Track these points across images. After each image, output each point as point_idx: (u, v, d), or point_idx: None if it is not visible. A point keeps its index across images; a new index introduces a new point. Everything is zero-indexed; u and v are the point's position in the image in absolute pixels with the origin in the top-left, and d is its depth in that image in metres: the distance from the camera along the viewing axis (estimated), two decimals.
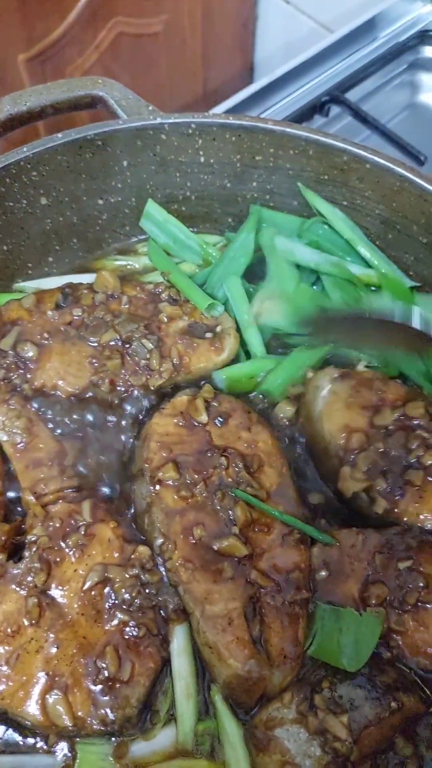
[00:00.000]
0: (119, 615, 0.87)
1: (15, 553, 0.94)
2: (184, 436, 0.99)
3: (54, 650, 0.85)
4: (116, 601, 0.88)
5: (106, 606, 0.88)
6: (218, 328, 1.12)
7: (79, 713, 0.83)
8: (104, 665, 0.84)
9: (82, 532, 0.92)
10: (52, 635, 0.86)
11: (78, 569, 0.90)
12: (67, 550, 0.91)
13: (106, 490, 1.00)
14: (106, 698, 0.83)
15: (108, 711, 0.83)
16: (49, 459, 0.99)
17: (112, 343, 1.07)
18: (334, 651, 0.85)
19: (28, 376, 1.05)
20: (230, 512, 0.92)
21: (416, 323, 0.89)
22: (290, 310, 1.12)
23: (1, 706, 0.84)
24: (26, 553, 0.91)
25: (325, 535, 0.93)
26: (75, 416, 1.03)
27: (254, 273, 1.20)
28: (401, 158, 1.31)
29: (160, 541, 0.92)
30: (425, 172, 1.11)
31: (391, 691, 0.82)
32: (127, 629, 0.87)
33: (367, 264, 1.18)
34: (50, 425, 1.02)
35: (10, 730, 0.87)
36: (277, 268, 1.15)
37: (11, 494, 1.00)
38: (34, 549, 0.91)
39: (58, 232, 1.24)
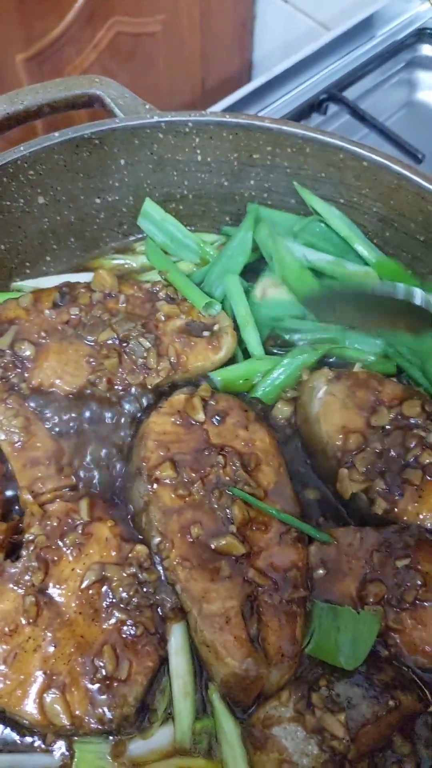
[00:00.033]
0: (117, 614, 0.87)
1: (12, 552, 0.93)
2: (182, 435, 0.99)
3: (51, 649, 0.85)
4: (114, 600, 0.88)
5: (104, 605, 0.88)
6: (216, 327, 1.12)
7: (77, 712, 0.83)
8: (102, 664, 0.84)
9: (80, 531, 0.92)
10: (49, 634, 0.86)
11: (75, 568, 0.90)
12: (64, 549, 0.91)
13: (103, 489, 1.00)
14: (104, 697, 0.83)
15: (105, 710, 0.83)
16: (47, 458, 0.99)
17: (110, 341, 1.07)
18: (331, 649, 0.84)
19: (26, 375, 1.05)
20: (228, 511, 0.92)
21: (418, 300, 0.90)
22: (294, 289, 1.11)
23: None
24: (24, 552, 0.91)
25: (323, 533, 0.93)
26: (72, 415, 1.03)
27: (252, 272, 1.20)
28: (399, 156, 1.31)
29: (157, 539, 0.92)
30: (423, 170, 1.11)
31: (389, 690, 0.82)
32: (125, 628, 0.87)
33: (365, 262, 1.18)
34: (48, 424, 1.02)
35: (8, 729, 0.87)
36: (279, 255, 1.14)
37: (9, 493, 1.00)
38: (32, 548, 0.91)
39: (55, 231, 1.24)
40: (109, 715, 0.83)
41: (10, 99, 1.17)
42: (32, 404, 1.03)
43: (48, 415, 1.03)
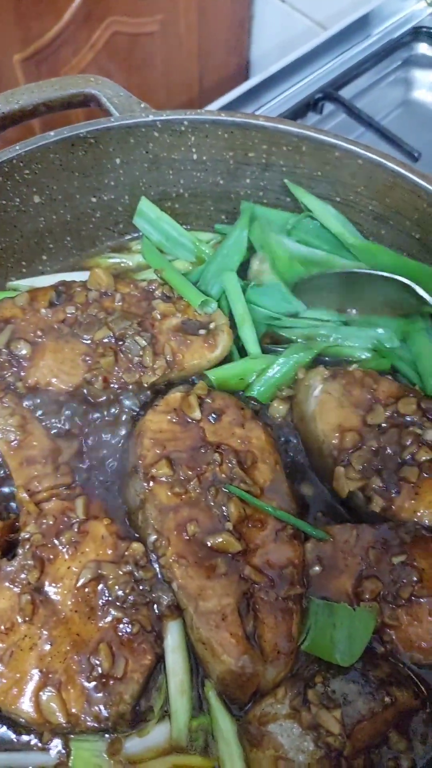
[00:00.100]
0: (113, 612, 0.87)
1: (9, 550, 0.94)
2: (178, 433, 0.99)
3: (47, 647, 0.85)
4: (110, 598, 0.88)
5: (100, 603, 0.88)
6: (212, 325, 1.12)
7: (73, 710, 0.83)
8: (98, 662, 0.84)
9: (76, 530, 0.93)
10: (45, 632, 0.86)
11: (71, 566, 0.90)
12: (60, 547, 0.91)
13: (99, 487, 1.00)
14: (100, 695, 0.84)
15: (102, 708, 0.83)
16: (43, 456, 0.99)
17: (106, 340, 1.07)
18: (327, 646, 0.84)
19: (22, 374, 1.05)
20: (224, 508, 0.92)
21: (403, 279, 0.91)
22: (283, 277, 1.12)
23: None
24: (20, 551, 0.91)
25: (319, 530, 0.93)
26: (68, 414, 1.03)
27: (247, 270, 1.20)
28: (395, 155, 1.31)
29: (153, 537, 0.92)
30: (419, 169, 1.11)
31: (385, 686, 0.82)
32: (121, 626, 0.87)
33: (357, 258, 1.18)
34: (44, 423, 1.02)
35: (4, 728, 0.87)
36: (268, 245, 1.14)
37: (5, 491, 1.01)
38: (28, 546, 0.91)
39: (51, 231, 1.24)
40: (105, 713, 0.83)
41: (6, 98, 1.18)
42: (28, 403, 1.03)
43: (44, 413, 1.03)
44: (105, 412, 1.05)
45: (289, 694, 0.82)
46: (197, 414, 1.00)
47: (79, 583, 0.89)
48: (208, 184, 1.26)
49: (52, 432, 1.02)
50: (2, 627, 0.86)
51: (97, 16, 1.84)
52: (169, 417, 1.00)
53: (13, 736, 0.87)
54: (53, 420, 1.03)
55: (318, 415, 1.01)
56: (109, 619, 0.87)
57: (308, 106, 1.66)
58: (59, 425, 1.03)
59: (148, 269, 1.24)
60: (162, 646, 0.88)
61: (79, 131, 1.13)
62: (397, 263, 1.10)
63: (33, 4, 1.70)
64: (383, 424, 0.99)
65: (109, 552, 0.91)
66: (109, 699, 0.83)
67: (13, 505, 0.99)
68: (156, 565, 0.91)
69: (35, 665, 0.84)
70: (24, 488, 0.96)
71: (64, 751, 0.85)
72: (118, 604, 0.88)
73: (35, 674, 0.84)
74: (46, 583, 0.89)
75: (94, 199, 1.24)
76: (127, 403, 1.05)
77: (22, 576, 0.89)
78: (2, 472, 1.02)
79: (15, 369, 1.05)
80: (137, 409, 1.05)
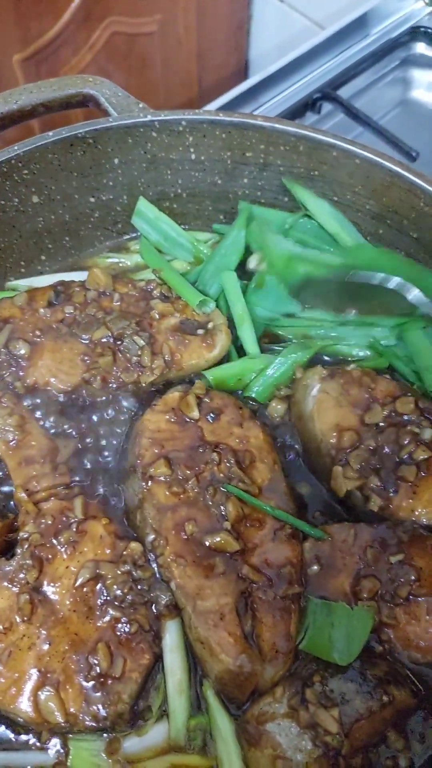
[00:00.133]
0: (111, 611, 0.87)
1: (7, 550, 0.94)
2: (176, 433, 0.99)
3: (46, 647, 0.85)
4: (108, 598, 0.88)
5: (98, 602, 0.88)
6: (210, 325, 1.12)
7: (72, 709, 0.83)
8: (96, 661, 0.84)
9: (74, 529, 0.93)
10: (44, 632, 0.86)
11: (70, 566, 0.90)
12: (59, 546, 0.91)
13: (98, 486, 1.00)
14: (98, 694, 0.84)
15: (100, 707, 0.83)
16: (41, 456, 0.99)
17: (104, 340, 1.07)
18: (325, 645, 0.85)
19: (20, 373, 1.05)
20: (222, 508, 0.93)
21: (392, 285, 0.94)
22: (281, 278, 1.12)
23: None
24: (18, 550, 0.91)
25: (317, 529, 0.93)
26: (67, 413, 1.03)
27: (245, 270, 1.20)
28: (393, 155, 1.31)
29: (151, 537, 0.92)
30: (417, 168, 1.11)
31: (383, 685, 0.82)
32: (119, 625, 0.87)
33: (354, 259, 1.17)
34: (42, 423, 1.02)
35: (3, 727, 0.87)
36: (266, 245, 1.14)
37: (4, 491, 1.01)
38: (26, 546, 0.91)
39: (50, 230, 1.24)
40: (103, 712, 0.83)
41: (4, 99, 1.18)
42: (27, 403, 1.03)
43: (42, 413, 1.03)
44: (103, 412, 1.05)
45: (287, 693, 0.82)
46: (195, 413, 1.00)
47: (78, 583, 0.89)
48: (206, 184, 1.26)
49: (51, 432, 1.02)
50: (1, 627, 0.86)
51: (97, 16, 1.84)
52: (167, 416, 1.01)
53: (11, 735, 0.87)
54: (52, 420, 1.03)
55: (316, 414, 1.01)
56: (107, 618, 0.87)
57: (306, 105, 1.66)
58: (58, 425, 1.03)
59: (146, 269, 1.24)
60: (160, 646, 0.89)
61: (77, 131, 1.14)
62: (392, 264, 1.10)
63: (33, 4, 1.70)
64: (381, 424, 0.99)
65: (108, 552, 0.91)
66: (107, 698, 0.84)
67: (12, 504, 1.00)
68: (154, 565, 0.91)
69: (34, 665, 0.84)
70: (22, 488, 0.96)
71: (62, 751, 0.85)
72: (116, 603, 0.88)
73: (34, 674, 0.84)
74: (45, 582, 0.89)
75: (92, 199, 1.24)
76: (125, 402, 1.06)
77: (21, 575, 0.89)
78: (1, 471, 1.02)
79: (14, 369, 1.05)
80: (135, 409, 1.05)
